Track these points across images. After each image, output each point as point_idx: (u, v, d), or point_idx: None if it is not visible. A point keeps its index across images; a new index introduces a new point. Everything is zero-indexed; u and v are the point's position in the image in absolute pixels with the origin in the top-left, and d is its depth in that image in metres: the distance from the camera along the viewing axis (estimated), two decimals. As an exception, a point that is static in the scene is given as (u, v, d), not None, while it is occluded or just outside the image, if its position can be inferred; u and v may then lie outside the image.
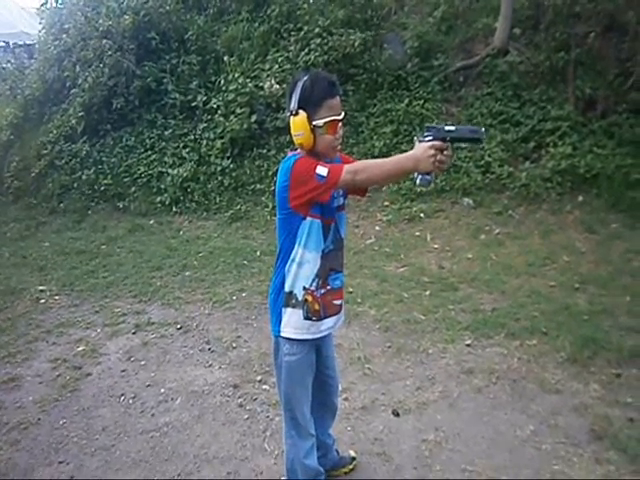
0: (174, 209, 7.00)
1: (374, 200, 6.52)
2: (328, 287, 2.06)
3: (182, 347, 3.94)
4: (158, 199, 7.11)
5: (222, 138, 7.19)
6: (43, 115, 8.30)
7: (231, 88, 7.33)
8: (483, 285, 4.64)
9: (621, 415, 2.88)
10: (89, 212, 7.26)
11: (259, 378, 3.42)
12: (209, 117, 7.53)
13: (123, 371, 3.65)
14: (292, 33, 7.63)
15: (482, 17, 7.73)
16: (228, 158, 7.13)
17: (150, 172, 7.37)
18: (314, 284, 2.02)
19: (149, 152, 7.59)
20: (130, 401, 3.30)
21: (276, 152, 7.01)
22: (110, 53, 7.59)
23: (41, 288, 5.17)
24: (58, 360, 3.83)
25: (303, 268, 2.00)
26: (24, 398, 3.39)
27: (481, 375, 3.31)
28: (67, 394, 3.41)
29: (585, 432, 2.77)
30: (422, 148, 1.77)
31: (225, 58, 7.73)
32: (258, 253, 5.61)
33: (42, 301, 4.90)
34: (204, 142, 7.35)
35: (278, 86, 7.12)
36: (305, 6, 7.83)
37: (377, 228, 6.09)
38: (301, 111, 1.88)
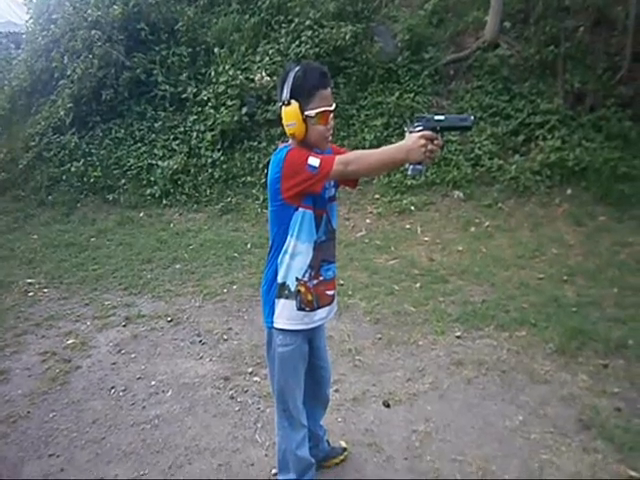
0: (164, 201, 6.96)
1: (365, 193, 6.53)
2: (321, 278, 2.07)
3: (173, 339, 3.93)
4: (148, 191, 7.07)
5: (212, 130, 7.15)
6: (31, 106, 8.20)
7: (221, 80, 7.28)
8: (473, 277, 4.67)
9: (608, 405, 2.92)
10: (78, 204, 7.19)
11: (250, 370, 3.43)
12: (199, 109, 7.48)
13: (113, 364, 3.64)
14: (283, 25, 7.59)
15: (473, 10, 7.75)
16: (218, 150, 7.10)
17: (140, 164, 7.32)
18: (307, 275, 2.02)
19: (139, 144, 7.53)
20: (120, 394, 3.29)
21: (267, 144, 6.98)
22: (99, 44, 7.49)
23: (30, 281, 5.13)
24: (47, 353, 3.81)
25: (296, 259, 2.00)
26: (13, 391, 3.37)
27: (471, 366, 3.34)
28: (57, 387, 3.39)
29: (573, 422, 2.81)
30: (412, 138, 1.77)
31: (215, 50, 7.68)
32: (249, 245, 5.60)
33: (31, 294, 4.86)
34: (194, 134, 7.31)
35: (269, 78, 7.09)
36: (296, -2, 7.80)
37: (368, 221, 6.10)
38: (293, 101, 1.88)
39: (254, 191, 6.73)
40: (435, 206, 6.15)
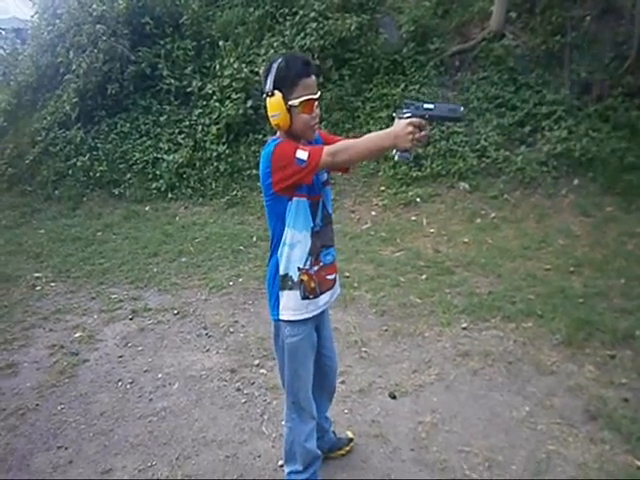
0: (170, 195, 6.97)
1: (370, 185, 6.52)
2: (321, 263, 2.07)
3: (179, 332, 3.94)
4: (154, 185, 7.08)
5: (218, 124, 7.14)
6: (37, 101, 8.22)
7: (226, 73, 7.26)
8: (479, 269, 4.66)
9: (615, 395, 2.91)
10: (84, 199, 7.22)
11: (256, 362, 3.44)
12: (204, 103, 7.47)
13: (120, 357, 3.66)
14: (287, 17, 7.54)
15: (478, 1, 7.68)
16: (224, 144, 7.09)
17: (145, 158, 7.33)
18: (308, 263, 2.03)
19: (144, 138, 7.54)
20: (128, 386, 3.31)
21: (272, 137, 6.95)
22: (104, 38, 7.49)
23: (37, 275, 5.16)
24: (55, 346, 3.84)
25: (295, 249, 2.00)
26: (22, 384, 3.40)
27: (477, 357, 3.34)
28: (65, 380, 3.42)
29: (580, 412, 2.80)
30: (401, 125, 1.77)
31: (220, 43, 7.65)
32: (254, 238, 5.60)
33: (38, 288, 4.89)
34: (199, 128, 7.30)
35: (273, 71, 7.05)
36: (301, -10, 7.75)
37: (373, 213, 6.09)
38: (276, 92, 1.88)
39: (259, 184, 6.68)
40: (441, 198, 6.13)
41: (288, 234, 1.99)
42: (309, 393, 2.19)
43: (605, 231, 5.23)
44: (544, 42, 6.99)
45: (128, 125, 7.69)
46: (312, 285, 2.05)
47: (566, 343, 3.43)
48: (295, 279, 2.02)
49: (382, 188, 6.43)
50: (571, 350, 3.36)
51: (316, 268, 2.05)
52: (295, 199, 1.95)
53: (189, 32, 7.91)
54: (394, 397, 2.99)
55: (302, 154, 1.83)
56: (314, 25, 7.21)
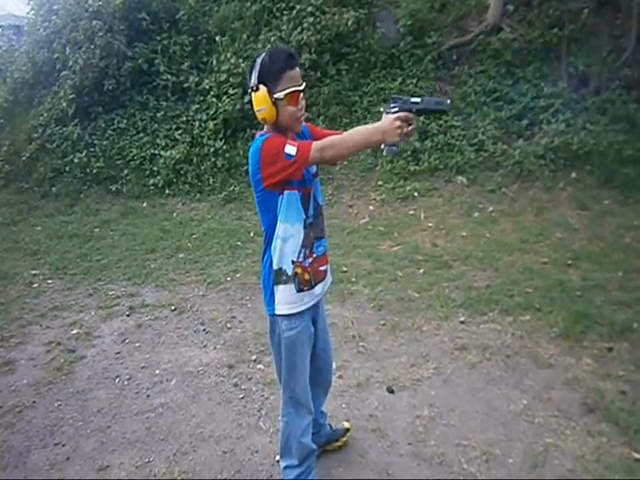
0: (167, 191, 6.96)
1: (368, 180, 6.51)
2: (314, 255, 2.08)
3: (176, 328, 3.94)
4: (151, 181, 7.07)
5: (215, 119, 7.13)
6: (33, 98, 8.20)
7: (223, 68, 7.24)
8: (477, 262, 4.65)
9: (613, 388, 2.90)
10: (81, 195, 7.20)
11: (254, 358, 3.43)
12: (201, 98, 7.45)
13: (118, 353, 3.65)
14: (284, 12, 7.52)
15: (475, -6, 7.65)
16: (221, 139, 7.07)
17: (142, 154, 7.32)
18: (301, 255, 2.02)
19: (141, 134, 7.52)
20: (125, 383, 3.31)
21: (269, 133, 6.93)
22: (101, 34, 7.46)
23: (34, 272, 5.15)
24: (52, 343, 3.83)
25: (288, 242, 2.00)
26: (18, 382, 3.39)
27: (475, 351, 3.33)
28: (62, 377, 3.41)
29: (577, 405, 2.79)
30: (388, 120, 1.77)
31: (217, 38, 7.62)
32: (252, 234, 5.59)
33: (35, 285, 4.88)
34: (197, 123, 7.29)
35: (270, 66, 7.03)
36: (297, -16, 7.71)
37: (371, 207, 6.08)
38: (261, 86, 1.88)
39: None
40: (438, 192, 6.12)
41: (281, 228, 1.98)
42: (306, 387, 2.19)
43: (603, 224, 5.23)
44: (542, 35, 6.97)
45: (125, 121, 7.67)
46: (307, 277, 2.05)
47: (564, 336, 3.42)
48: (289, 273, 2.02)
49: (380, 182, 6.42)
50: (569, 343, 3.36)
51: (310, 260, 2.05)
52: (286, 192, 1.94)
53: (186, 27, 7.89)
54: (392, 391, 2.98)
55: (290, 149, 1.82)
56: (311, 20, 7.18)
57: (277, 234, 1.99)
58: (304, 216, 2.01)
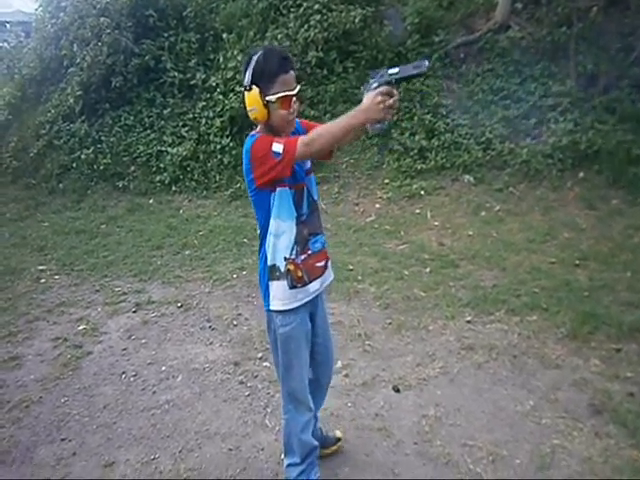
0: (174, 188, 6.97)
1: (374, 178, 6.49)
2: (309, 252, 2.07)
3: (183, 325, 3.94)
4: (157, 178, 7.08)
5: (221, 116, 7.12)
6: (41, 95, 8.22)
7: (230, 66, 7.23)
8: (483, 262, 4.63)
9: (621, 389, 2.88)
10: (88, 192, 7.22)
11: (260, 355, 3.43)
12: (208, 95, 7.44)
13: (124, 349, 3.66)
14: (291, 10, 7.49)
15: (483, -8, 7.60)
16: (227, 136, 7.07)
17: (149, 151, 7.33)
18: (293, 252, 2.02)
19: (148, 131, 7.53)
20: (131, 379, 3.32)
21: (276, 130, 6.92)
22: (108, 31, 7.46)
23: (41, 268, 5.17)
24: (59, 339, 3.85)
25: (281, 239, 2.00)
26: (25, 377, 3.40)
27: (481, 351, 3.32)
28: (68, 372, 3.43)
29: (585, 407, 2.78)
30: (369, 98, 1.74)
31: (224, 36, 7.61)
32: (258, 231, 5.57)
33: (42, 281, 4.90)
34: (203, 121, 7.28)
35: (277, 63, 7.02)
36: (304, -18, 7.69)
37: (377, 206, 6.06)
38: (254, 87, 1.88)
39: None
40: (445, 190, 6.10)
41: (273, 224, 1.99)
42: (304, 383, 2.19)
43: (611, 224, 5.19)
44: (550, 33, 6.91)
45: (132, 118, 7.69)
46: (299, 274, 2.05)
47: (571, 337, 3.40)
48: (282, 269, 2.03)
49: (386, 181, 6.40)
50: (576, 344, 3.34)
51: (303, 257, 2.05)
52: (278, 190, 1.95)
53: (193, 25, 7.88)
54: (398, 390, 2.98)
55: (277, 147, 1.83)
56: (318, 17, 7.15)
57: (270, 230, 2.00)
58: (296, 213, 2.01)
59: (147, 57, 7.63)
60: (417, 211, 5.82)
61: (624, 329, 3.42)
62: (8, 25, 12.33)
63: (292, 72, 1.91)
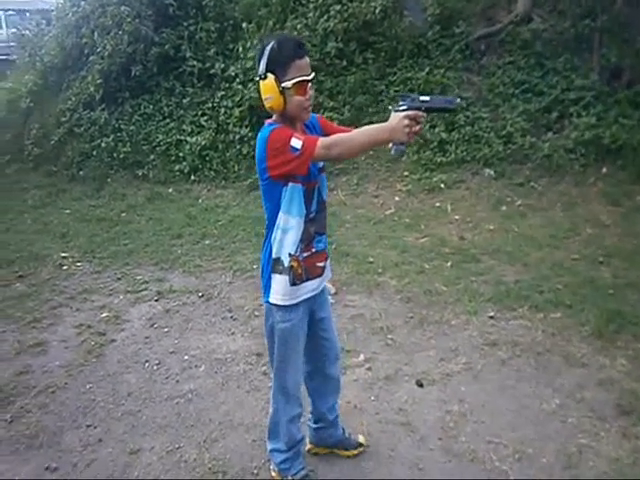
0: (192, 177, 6.98)
1: (393, 170, 6.45)
2: (313, 250, 2.08)
3: (204, 315, 3.96)
4: (177, 167, 7.09)
5: (240, 106, 7.10)
6: (62, 82, 8.23)
7: (249, 55, 7.19)
8: (505, 257, 4.60)
9: (648, 390, 2.86)
10: (108, 180, 7.25)
11: (282, 347, 3.43)
12: (227, 85, 7.42)
13: (147, 337, 3.69)
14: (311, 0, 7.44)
15: (506, -18, 7.50)
16: (246, 126, 7.05)
17: (169, 140, 7.33)
18: (298, 249, 2.03)
19: (167, 120, 7.53)
20: (154, 367, 3.34)
21: (295, 120, 6.88)
22: (129, 20, 7.44)
23: (63, 255, 5.21)
24: (82, 326, 3.88)
25: (288, 234, 2.01)
26: (51, 363, 3.44)
27: (505, 347, 3.30)
28: (92, 359, 3.46)
29: (612, 407, 2.75)
30: (397, 118, 1.75)
31: (243, 25, 7.57)
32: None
33: (65, 267, 4.94)
34: (222, 110, 7.26)
35: (297, 53, 6.97)
36: (324, -29, 7.61)
37: (397, 198, 6.03)
38: (269, 74, 1.87)
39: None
40: (465, 184, 6.05)
41: (282, 218, 1.99)
42: (298, 379, 2.22)
43: (635, 221, 5.13)
44: (573, 26, 6.80)
45: (151, 107, 7.69)
46: (299, 271, 2.06)
47: (596, 335, 3.37)
48: (286, 264, 2.04)
49: (405, 173, 6.36)
50: (601, 342, 3.31)
51: (306, 254, 2.06)
52: (290, 185, 1.95)
53: (212, 14, 7.84)
54: (421, 385, 2.98)
55: (296, 142, 1.82)
56: (338, 7, 7.10)
57: (278, 224, 2.00)
58: (305, 211, 2.01)
59: (167, 46, 7.61)
60: (437, 204, 5.78)
61: (651, 329, 3.38)
62: (28, 14, 12.38)
63: (306, 58, 1.91)
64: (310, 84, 1.92)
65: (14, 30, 11.06)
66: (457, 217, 5.47)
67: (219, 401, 2.98)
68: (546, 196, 5.73)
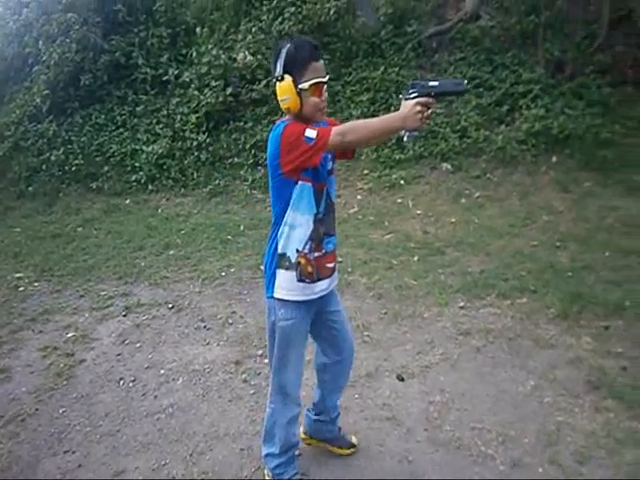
0: (150, 187, 6.85)
1: (353, 169, 6.50)
2: (323, 251, 2.09)
3: (176, 327, 3.89)
4: (133, 177, 6.95)
5: (197, 112, 7.02)
6: (4, 95, 7.95)
7: (204, 60, 7.13)
8: (468, 248, 4.72)
9: (614, 365, 2.99)
10: (60, 194, 7.03)
11: (260, 353, 3.41)
12: (182, 91, 7.33)
13: (118, 355, 3.59)
14: (264, 2, 7.42)
15: (452, -19, 7.68)
16: (204, 132, 6.97)
17: (123, 150, 7.18)
18: (307, 247, 2.04)
19: (121, 129, 7.38)
20: (130, 384, 3.25)
21: (253, 124, 6.86)
22: (76, 27, 7.24)
23: (18, 275, 5.02)
24: (48, 348, 3.73)
25: (295, 231, 2.02)
26: (17, 389, 3.29)
27: (478, 335, 3.39)
28: (63, 382, 3.33)
29: (582, 383, 2.87)
30: (409, 106, 1.81)
31: (197, 30, 7.48)
32: (242, 227, 5.55)
33: (21, 288, 4.76)
34: (178, 117, 7.16)
35: (252, 57, 6.95)
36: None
37: (359, 197, 6.09)
38: (287, 76, 1.90)
39: (242, 172, 6.61)
40: (425, 179, 6.16)
41: (290, 215, 2.00)
42: (297, 379, 2.21)
43: (585, 206, 5.33)
44: (519, 22, 7.04)
45: (103, 117, 7.51)
46: (309, 269, 2.06)
47: (561, 317, 3.51)
48: (292, 260, 2.04)
49: (365, 172, 6.43)
50: (567, 323, 3.44)
51: (316, 254, 2.07)
52: (300, 183, 1.97)
53: (163, 19, 7.73)
54: (402, 379, 3.02)
55: (311, 133, 1.85)
56: (292, 9, 7.12)
57: (285, 221, 2.01)
58: (315, 210, 2.02)
59: (117, 53, 7.46)
60: (399, 200, 5.87)
61: (610, 307, 3.54)
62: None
63: (321, 60, 1.94)
64: (325, 86, 1.95)
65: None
66: (419, 212, 5.57)
67: (202, 413, 2.94)
68: (502, 187, 5.89)
